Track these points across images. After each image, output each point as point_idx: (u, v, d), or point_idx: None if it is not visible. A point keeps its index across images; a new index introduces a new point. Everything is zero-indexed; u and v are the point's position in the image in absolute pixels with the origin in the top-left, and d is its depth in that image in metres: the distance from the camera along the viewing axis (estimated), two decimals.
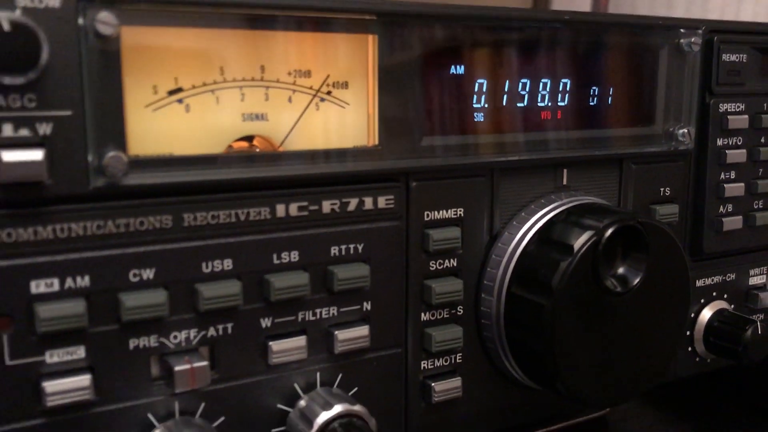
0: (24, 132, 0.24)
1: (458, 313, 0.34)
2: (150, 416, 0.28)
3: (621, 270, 0.33)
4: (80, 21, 0.25)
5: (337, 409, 0.29)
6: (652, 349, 0.35)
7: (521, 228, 0.34)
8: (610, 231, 0.32)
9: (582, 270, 0.32)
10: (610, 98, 0.37)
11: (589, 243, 0.32)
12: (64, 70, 0.24)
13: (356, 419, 0.29)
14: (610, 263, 0.33)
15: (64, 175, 0.25)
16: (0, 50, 0.22)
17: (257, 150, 0.29)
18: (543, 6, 1.00)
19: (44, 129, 0.24)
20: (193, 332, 0.28)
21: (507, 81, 0.35)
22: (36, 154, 0.24)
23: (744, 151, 0.41)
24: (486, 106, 0.34)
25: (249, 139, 0.30)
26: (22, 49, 0.22)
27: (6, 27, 0.22)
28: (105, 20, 0.25)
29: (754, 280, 0.44)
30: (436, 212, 0.33)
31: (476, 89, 0.34)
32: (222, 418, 0.29)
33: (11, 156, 0.23)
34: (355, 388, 0.32)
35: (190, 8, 0.27)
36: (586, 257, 0.32)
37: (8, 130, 0.24)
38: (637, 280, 0.33)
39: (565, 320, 0.32)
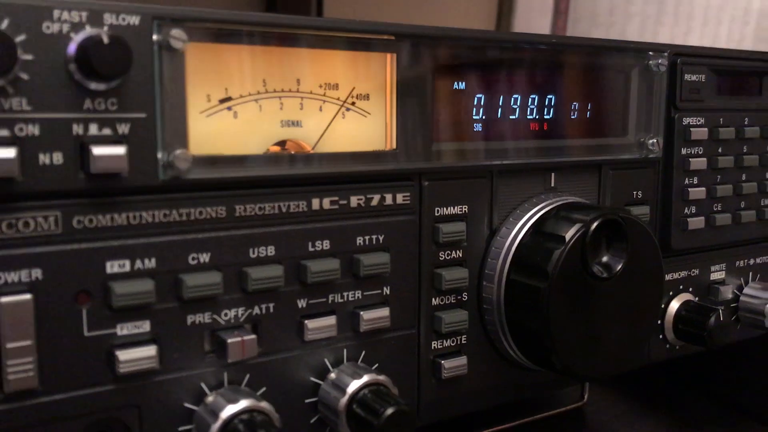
0: (106, 131, 0.28)
1: (463, 299, 0.39)
2: (203, 385, 0.32)
3: (605, 258, 0.38)
4: (155, 37, 0.29)
5: (366, 378, 0.33)
6: (632, 330, 0.40)
7: (517, 223, 0.39)
8: (596, 223, 0.37)
9: (572, 258, 0.37)
10: (588, 112, 0.43)
11: (578, 234, 0.37)
12: (140, 79, 0.28)
13: (382, 387, 0.33)
14: (596, 253, 0.38)
15: (138, 169, 0.29)
16: (98, 60, 0.26)
17: (292, 152, 0.34)
18: (505, 25, 1.06)
19: (123, 129, 0.28)
20: (240, 310, 0.32)
21: (501, 96, 0.40)
22: (119, 150, 0.28)
23: (704, 159, 0.46)
24: (483, 117, 0.39)
25: (282, 144, 0.34)
26: (117, 60, 0.26)
27: (105, 40, 0.26)
28: (177, 36, 0.29)
29: (715, 276, 0.50)
30: (444, 208, 0.38)
31: (475, 103, 0.39)
32: (264, 388, 0.33)
33: (100, 151, 0.27)
34: (376, 364, 0.36)
35: (241, 27, 0.31)
36: (576, 246, 0.37)
37: (94, 129, 0.28)
38: (619, 267, 0.38)
39: (559, 301, 0.36)
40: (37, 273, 0.28)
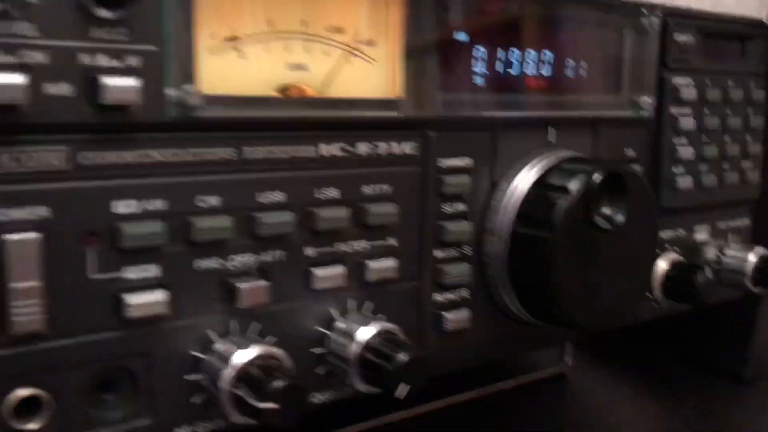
0: (115, 63, 0.27)
1: (466, 252, 0.38)
2: (209, 332, 0.31)
3: (606, 210, 0.38)
4: None
5: (378, 326, 0.33)
6: (629, 283, 0.40)
7: (518, 177, 0.39)
8: (599, 174, 0.37)
9: (576, 209, 0.37)
10: (583, 69, 0.43)
11: (582, 183, 0.37)
12: (149, 9, 0.27)
13: (394, 334, 0.33)
14: (598, 204, 0.38)
15: (147, 105, 0.28)
16: None
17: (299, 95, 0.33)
18: None
19: (132, 61, 0.27)
20: (249, 256, 0.31)
21: (501, 49, 0.39)
22: (132, 81, 0.27)
23: (692, 119, 0.47)
24: (485, 70, 0.39)
25: (284, 90, 0.33)
26: None
27: None
28: None
29: (699, 236, 0.50)
30: (449, 160, 0.37)
31: (478, 55, 0.38)
32: (269, 338, 0.32)
33: (112, 81, 0.26)
34: (381, 316, 0.35)
35: None
36: (580, 197, 0.37)
37: (103, 60, 0.27)
38: (621, 219, 0.38)
39: (562, 252, 0.36)
40: (43, 211, 0.26)
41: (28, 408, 0.27)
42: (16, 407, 0.27)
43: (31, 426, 0.27)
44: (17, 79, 0.24)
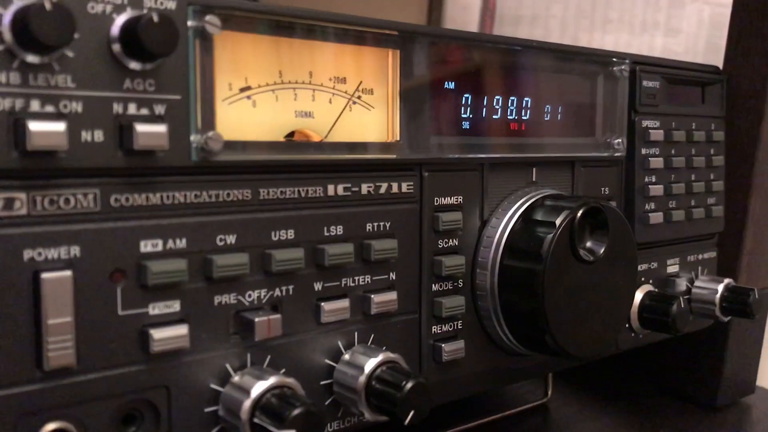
0: (144, 111, 0.29)
1: (459, 285, 0.41)
2: (227, 366, 0.32)
3: (589, 243, 0.41)
4: (189, 22, 0.30)
5: (381, 356, 0.35)
6: (613, 312, 0.43)
7: (507, 213, 0.42)
8: (582, 209, 0.40)
9: (562, 241, 0.39)
10: (560, 114, 0.46)
11: (567, 219, 0.39)
12: (175, 62, 0.29)
13: (397, 364, 0.35)
14: (581, 238, 0.40)
15: (172, 150, 0.30)
16: (148, 38, 0.27)
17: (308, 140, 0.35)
18: (436, 20, 1.10)
19: (159, 109, 0.29)
20: (263, 291, 0.33)
21: (485, 97, 0.42)
22: (161, 128, 0.29)
23: (661, 158, 0.50)
24: (471, 115, 0.41)
25: (290, 135, 0.35)
26: (165, 40, 0.27)
27: (156, 19, 0.27)
28: (212, 22, 0.30)
29: (671, 269, 0.54)
30: (442, 198, 0.40)
31: (463, 102, 0.41)
32: (283, 370, 0.34)
33: (143, 128, 0.28)
34: (384, 347, 0.37)
35: (265, 16, 0.32)
36: (565, 230, 0.39)
37: (133, 108, 0.28)
38: (602, 251, 0.41)
39: (552, 283, 0.39)
40: (75, 250, 0.28)
41: None
42: None
43: None
44: (59, 126, 0.26)
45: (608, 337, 0.43)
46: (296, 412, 0.29)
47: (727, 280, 0.54)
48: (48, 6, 0.25)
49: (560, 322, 0.40)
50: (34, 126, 0.26)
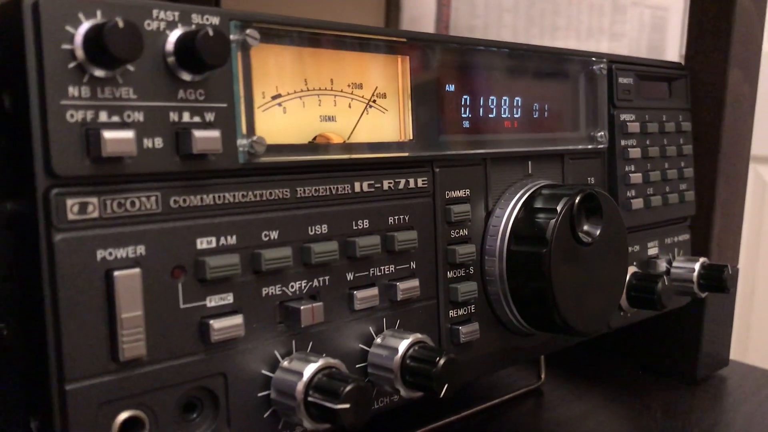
0: (196, 118, 0.31)
1: (471, 272, 0.44)
2: (276, 352, 0.35)
3: (586, 227, 0.45)
4: (233, 36, 0.32)
5: (412, 338, 0.38)
6: (609, 291, 0.47)
7: (509, 203, 0.45)
8: (579, 196, 0.43)
9: (563, 226, 0.43)
10: (546, 112, 0.50)
11: (567, 205, 0.43)
12: (221, 72, 0.32)
13: (427, 343, 0.38)
14: (579, 222, 0.44)
15: (223, 154, 0.32)
16: (205, 51, 0.29)
17: (335, 142, 0.38)
18: (394, 23, 1.14)
19: (209, 117, 0.32)
20: (303, 282, 0.36)
21: (481, 97, 0.46)
22: (215, 133, 0.31)
23: (639, 149, 0.55)
24: (470, 115, 0.45)
25: (313, 139, 0.38)
26: (219, 52, 0.30)
27: (211, 33, 0.29)
28: (252, 35, 0.33)
29: (651, 251, 0.58)
30: (452, 192, 0.43)
31: (463, 102, 0.45)
32: (324, 354, 0.36)
33: (200, 133, 0.31)
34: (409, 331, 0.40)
35: (294, 28, 0.35)
36: (566, 215, 0.43)
37: (186, 116, 0.31)
38: (598, 233, 0.44)
39: (556, 265, 0.42)
40: (141, 249, 0.30)
41: (130, 428, 0.30)
42: (121, 428, 0.30)
43: None
44: (129, 134, 0.29)
45: (607, 313, 0.46)
46: (349, 387, 0.32)
47: (702, 259, 0.58)
48: (121, 24, 0.27)
49: (565, 301, 0.43)
50: (108, 134, 0.28)
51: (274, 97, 0.36)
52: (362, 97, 0.39)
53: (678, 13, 1.77)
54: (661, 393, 0.64)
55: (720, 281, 0.57)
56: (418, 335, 0.38)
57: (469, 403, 0.59)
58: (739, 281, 0.68)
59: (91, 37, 0.27)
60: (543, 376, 0.64)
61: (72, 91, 0.28)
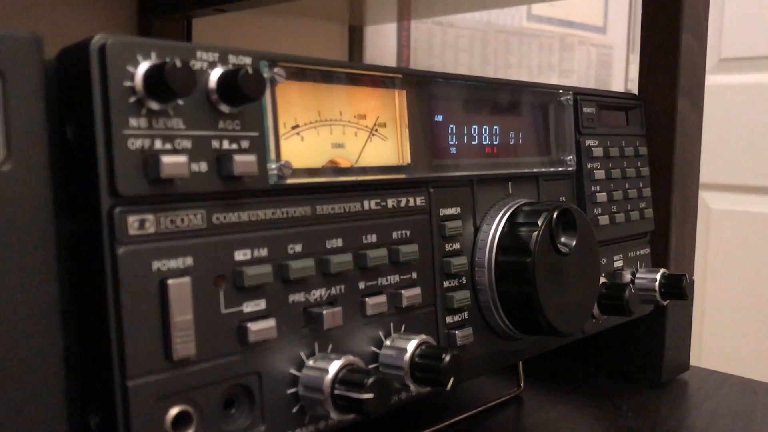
0: (234, 146, 0.36)
1: (463, 282, 0.49)
2: (301, 353, 0.39)
3: (563, 238, 0.50)
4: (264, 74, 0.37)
5: (418, 339, 0.42)
6: (585, 296, 0.52)
7: (494, 220, 0.50)
8: (557, 211, 0.49)
9: (545, 237, 0.48)
10: (521, 138, 0.55)
11: (546, 219, 0.48)
12: (254, 106, 0.37)
13: (432, 344, 0.42)
14: (557, 234, 0.49)
15: (256, 176, 0.36)
16: (245, 86, 0.34)
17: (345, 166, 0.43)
18: (358, 55, 1.20)
19: (244, 144, 0.36)
20: (323, 291, 0.40)
21: (464, 126, 0.51)
22: (252, 157, 0.36)
23: (603, 171, 0.61)
24: (456, 142, 0.50)
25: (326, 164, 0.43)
26: (257, 87, 0.34)
27: (250, 71, 0.34)
28: (279, 73, 0.37)
29: (617, 264, 0.63)
30: (446, 209, 0.48)
31: (449, 131, 0.50)
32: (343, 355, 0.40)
33: (240, 158, 0.35)
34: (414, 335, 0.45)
35: (311, 67, 0.40)
36: (546, 228, 0.48)
37: (226, 144, 0.35)
38: (574, 243, 0.50)
39: (540, 272, 0.48)
40: (189, 261, 0.34)
41: (180, 422, 0.34)
42: (173, 421, 0.34)
43: None
44: (183, 159, 0.33)
45: (585, 315, 0.52)
46: (372, 379, 0.36)
47: (662, 270, 0.64)
48: (179, 64, 0.31)
49: (549, 305, 0.48)
50: (165, 159, 0.32)
51: (293, 127, 0.40)
52: (366, 126, 0.44)
53: (622, 50, 1.89)
54: (629, 396, 0.69)
55: (679, 289, 0.63)
56: (424, 336, 0.43)
57: (452, 411, 0.63)
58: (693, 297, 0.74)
59: (151, 74, 0.32)
60: (522, 384, 0.69)
61: (132, 122, 0.32)
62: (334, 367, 0.37)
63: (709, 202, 1.69)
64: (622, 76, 1.86)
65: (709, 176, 1.66)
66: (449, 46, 1.47)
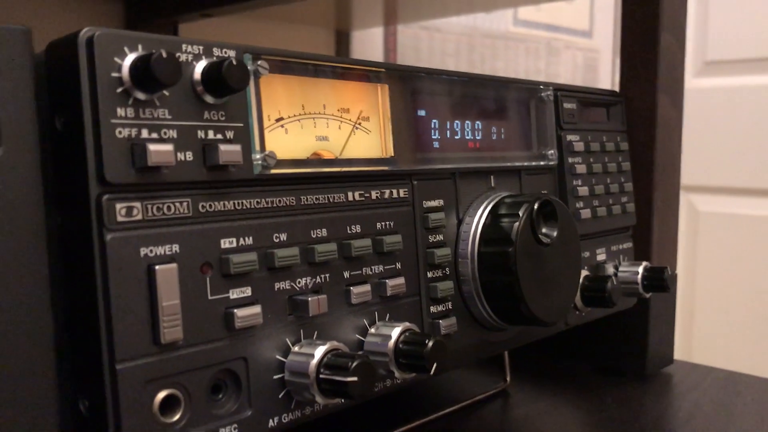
0: (219, 136, 0.37)
1: (447, 272, 0.50)
2: (287, 340, 0.40)
3: (545, 229, 0.51)
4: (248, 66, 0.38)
5: (402, 326, 0.43)
6: (567, 286, 0.53)
7: (477, 212, 0.51)
8: (538, 202, 0.50)
9: (526, 227, 0.49)
10: (503, 134, 0.56)
11: (527, 209, 0.49)
12: (238, 98, 0.38)
13: (416, 330, 0.43)
14: (539, 225, 0.50)
15: (242, 166, 0.37)
16: (229, 77, 0.35)
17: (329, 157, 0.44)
18: (344, 51, 1.21)
19: (229, 134, 0.37)
20: (308, 279, 0.41)
21: (447, 122, 0.52)
22: (236, 147, 0.36)
23: (584, 165, 0.62)
24: (438, 136, 0.51)
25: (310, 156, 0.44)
26: (241, 77, 0.35)
27: (234, 62, 0.35)
28: (263, 65, 0.38)
29: (599, 257, 0.65)
30: (429, 201, 0.49)
31: (432, 126, 0.51)
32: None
33: (225, 147, 0.36)
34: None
35: (295, 60, 0.41)
36: (527, 218, 0.49)
37: (211, 134, 0.36)
38: (555, 234, 0.51)
39: (522, 261, 0.49)
40: (176, 248, 0.35)
41: (168, 406, 0.35)
42: (161, 404, 0.34)
43: (170, 420, 0.35)
44: (169, 147, 0.34)
45: (567, 305, 0.53)
46: (356, 362, 0.37)
47: (645, 263, 0.65)
48: (164, 54, 0.32)
49: (530, 293, 0.49)
50: (152, 147, 0.33)
51: (277, 120, 0.41)
52: (350, 119, 0.45)
53: (608, 54, 1.91)
54: (614, 389, 0.70)
55: (661, 281, 0.64)
56: (408, 324, 0.43)
57: (439, 405, 0.64)
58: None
59: (138, 65, 0.33)
60: (508, 378, 0.70)
61: (120, 111, 0.33)
62: (320, 351, 0.38)
63: (696, 204, 1.71)
64: (609, 79, 1.88)
65: (696, 179, 1.68)
66: (436, 50, 1.49)
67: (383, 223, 0.45)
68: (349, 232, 0.43)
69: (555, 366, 0.77)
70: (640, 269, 0.65)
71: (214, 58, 0.36)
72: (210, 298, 0.36)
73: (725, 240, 1.66)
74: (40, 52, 0.35)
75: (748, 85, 1.64)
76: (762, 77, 1.63)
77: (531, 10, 1.67)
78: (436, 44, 1.48)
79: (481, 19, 1.54)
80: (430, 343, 0.41)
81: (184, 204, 0.36)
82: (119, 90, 0.33)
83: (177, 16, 0.90)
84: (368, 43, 1.30)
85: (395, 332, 0.43)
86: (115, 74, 0.33)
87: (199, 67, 0.36)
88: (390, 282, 0.45)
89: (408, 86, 0.49)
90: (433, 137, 0.50)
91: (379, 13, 1.12)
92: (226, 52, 0.37)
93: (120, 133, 0.33)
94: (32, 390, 0.33)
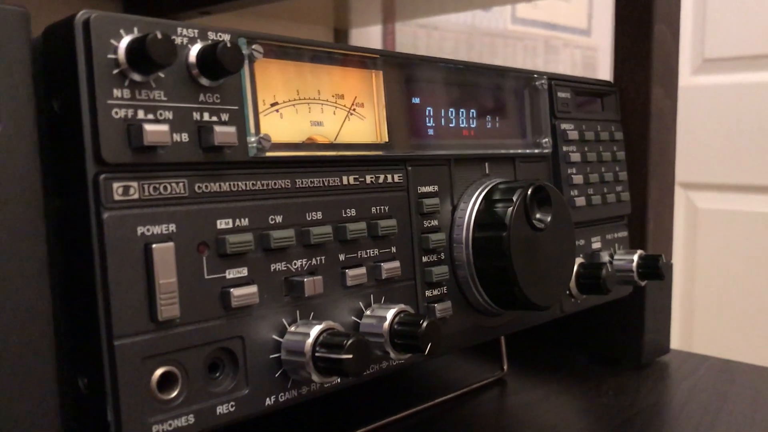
0: (214, 118, 0.37)
1: (442, 257, 0.50)
2: (283, 320, 0.40)
3: (539, 215, 0.52)
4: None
5: (397, 308, 0.44)
6: (561, 271, 0.53)
7: (471, 198, 0.52)
8: (531, 188, 0.50)
9: (520, 212, 0.50)
10: (497, 121, 0.57)
11: (521, 195, 0.50)
12: (233, 80, 0.38)
13: (411, 312, 0.44)
14: (533, 211, 0.51)
15: (237, 148, 0.38)
16: (223, 59, 0.36)
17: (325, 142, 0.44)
18: (343, 40, 1.22)
19: (224, 117, 0.38)
20: (304, 261, 0.41)
21: (442, 109, 0.53)
22: (231, 129, 0.37)
23: (579, 154, 0.62)
24: (433, 123, 0.52)
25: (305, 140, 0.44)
26: (235, 59, 0.36)
27: (229, 44, 0.36)
28: (257, 49, 0.39)
29: (594, 245, 0.65)
30: (424, 187, 0.49)
31: (427, 113, 0.52)
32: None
33: (219, 129, 0.36)
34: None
35: (289, 45, 0.42)
36: (521, 203, 0.50)
37: (206, 116, 0.37)
38: (549, 219, 0.51)
39: (516, 246, 0.49)
40: (172, 227, 0.36)
41: (166, 383, 0.35)
42: (158, 381, 0.35)
43: (168, 397, 0.35)
44: (165, 127, 0.34)
45: (561, 289, 0.53)
46: (351, 340, 0.38)
47: (639, 251, 0.66)
48: (160, 36, 0.33)
49: (524, 278, 0.50)
50: (148, 127, 0.34)
51: (272, 104, 0.42)
52: (344, 105, 0.46)
53: (606, 52, 1.91)
54: (610, 377, 0.71)
55: (656, 269, 0.64)
56: (403, 305, 0.44)
57: (437, 393, 0.64)
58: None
59: (134, 46, 0.33)
60: (505, 367, 0.70)
61: (116, 92, 0.34)
62: (315, 330, 0.39)
63: (695, 201, 1.72)
64: (608, 78, 1.88)
65: (695, 176, 1.69)
66: (434, 48, 1.49)
67: (378, 208, 0.46)
68: (344, 215, 0.44)
69: (552, 355, 0.77)
70: (635, 257, 0.65)
71: (209, 42, 0.37)
72: (206, 277, 0.37)
73: (724, 237, 1.67)
74: (37, 36, 0.35)
75: (747, 82, 1.65)
76: (760, 74, 1.63)
77: (529, 8, 1.68)
78: (434, 42, 1.48)
79: (479, 17, 1.55)
80: (425, 324, 0.42)
81: (180, 184, 0.36)
82: (115, 71, 0.34)
83: (175, 14, 0.91)
84: (366, 42, 1.30)
85: (390, 313, 0.43)
86: (111, 56, 0.34)
87: (195, 49, 0.36)
88: (385, 266, 0.45)
89: (403, 73, 0.49)
90: (427, 124, 0.51)
91: (377, 11, 1.12)
92: (221, 36, 0.38)
93: (116, 113, 0.34)
94: (31, 368, 0.33)
